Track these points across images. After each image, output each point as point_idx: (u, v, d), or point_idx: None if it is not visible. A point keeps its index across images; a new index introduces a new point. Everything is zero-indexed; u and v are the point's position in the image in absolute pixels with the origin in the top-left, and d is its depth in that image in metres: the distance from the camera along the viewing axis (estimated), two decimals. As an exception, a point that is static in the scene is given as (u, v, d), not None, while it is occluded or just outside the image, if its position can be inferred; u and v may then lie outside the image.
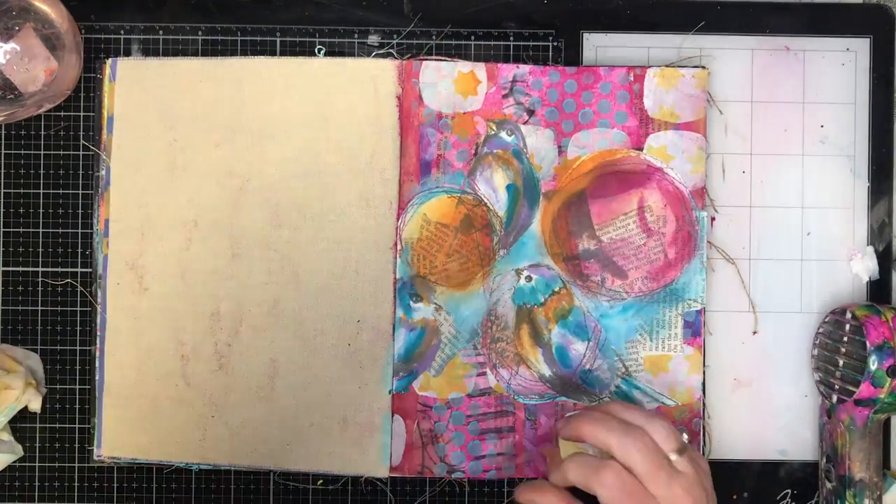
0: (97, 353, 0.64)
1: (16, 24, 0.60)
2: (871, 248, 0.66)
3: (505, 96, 0.64)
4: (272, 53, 0.66)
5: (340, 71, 0.64)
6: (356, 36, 0.66)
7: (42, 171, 0.65)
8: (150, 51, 0.66)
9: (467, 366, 0.64)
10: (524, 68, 0.64)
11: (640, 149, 0.64)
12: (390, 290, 0.64)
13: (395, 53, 0.65)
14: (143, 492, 0.65)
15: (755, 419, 0.65)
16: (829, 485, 0.64)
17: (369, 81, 0.64)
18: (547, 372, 0.64)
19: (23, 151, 0.65)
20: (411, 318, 0.64)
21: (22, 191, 0.65)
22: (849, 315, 0.62)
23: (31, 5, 0.61)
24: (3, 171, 0.65)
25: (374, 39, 0.66)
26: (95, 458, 0.64)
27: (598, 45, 0.66)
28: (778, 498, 0.66)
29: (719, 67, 0.66)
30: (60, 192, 0.65)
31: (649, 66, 0.64)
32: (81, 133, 0.65)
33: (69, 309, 0.65)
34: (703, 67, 0.64)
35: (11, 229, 0.65)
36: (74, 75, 0.63)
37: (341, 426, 0.64)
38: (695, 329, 0.64)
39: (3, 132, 0.66)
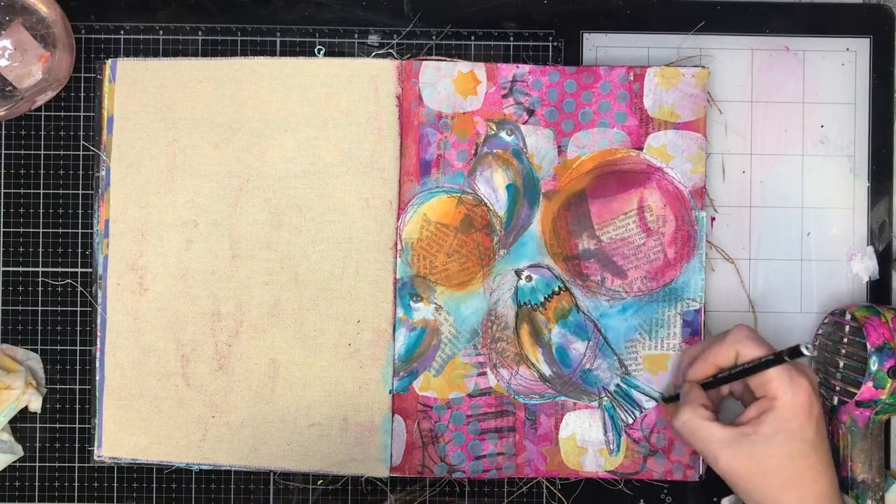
0: (97, 353, 0.64)
1: (3, 20, 0.60)
2: (871, 248, 0.66)
3: (505, 96, 0.64)
4: (272, 53, 0.66)
5: (340, 71, 0.64)
6: (356, 36, 0.66)
7: (42, 171, 0.66)
8: (150, 51, 0.66)
9: (467, 366, 0.64)
10: (524, 68, 0.64)
11: (640, 148, 0.64)
12: (390, 290, 0.64)
13: (394, 53, 0.65)
14: (143, 492, 0.65)
15: (755, 419, 0.65)
16: (829, 485, 0.63)
17: (369, 81, 0.64)
18: (547, 371, 0.64)
19: (23, 151, 0.66)
20: (411, 318, 0.64)
21: (22, 191, 0.65)
22: (848, 316, 0.62)
23: (15, 0, 0.61)
24: (3, 171, 0.66)
25: (374, 39, 0.66)
26: (95, 458, 0.64)
27: (598, 44, 0.66)
28: (778, 498, 0.66)
29: (719, 67, 0.66)
30: (60, 192, 0.65)
31: (649, 66, 0.64)
32: (81, 133, 0.66)
33: (69, 309, 0.65)
34: (704, 67, 0.64)
35: (11, 229, 0.65)
36: (69, 62, 0.63)
37: (341, 426, 0.64)
38: (693, 328, 0.64)
39: (2, 132, 0.66)
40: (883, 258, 0.66)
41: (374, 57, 0.65)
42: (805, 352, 0.53)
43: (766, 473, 0.55)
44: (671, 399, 0.63)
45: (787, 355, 0.54)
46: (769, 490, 0.56)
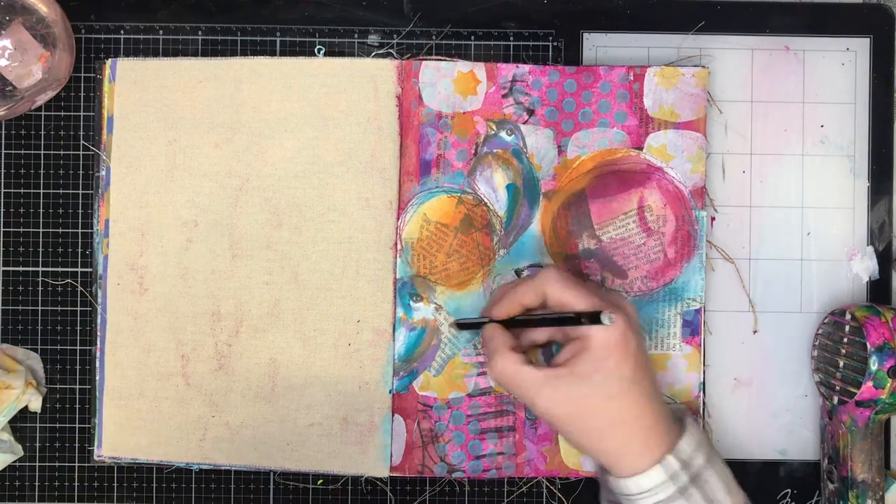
0: (97, 353, 0.64)
1: (3, 20, 0.60)
2: (871, 248, 0.66)
3: (505, 96, 0.64)
4: (272, 53, 0.66)
5: (340, 71, 0.64)
6: (356, 36, 0.66)
7: (42, 171, 0.66)
8: (150, 51, 0.66)
9: (467, 365, 0.64)
10: (524, 68, 0.64)
11: (640, 148, 0.64)
12: (390, 290, 0.64)
13: (394, 53, 0.65)
14: (143, 492, 0.65)
15: (755, 419, 0.65)
16: (831, 486, 0.63)
17: (369, 81, 0.64)
18: (547, 372, 0.64)
19: (23, 151, 0.66)
20: (411, 318, 0.64)
21: (22, 191, 0.65)
22: (848, 316, 0.62)
23: (14, 0, 0.61)
24: (3, 171, 0.66)
25: (373, 39, 0.66)
26: (95, 458, 0.64)
27: (597, 44, 0.66)
28: (778, 498, 0.66)
29: (719, 67, 0.66)
30: (60, 192, 0.65)
31: (649, 66, 0.64)
32: (81, 133, 0.66)
33: (69, 309, 0.65)
34: (704, 67, 0.64)
35: (11, 229, 0.65)
36: (69, 62, 0.63)
37: (341, 426, 0.64)
38: (693, 328, 0.64)
39: (3, 132, 0.66)
40: (883, 258, 0.66)
41: (374, 57, 0.65)
42: (606, 322, 0.52)
43: (586, 416, 0.54)
44: (465, 326, 0.62)
45: (585, 318, 0.53)
46: (591, 433, 0.54)
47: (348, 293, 0.64)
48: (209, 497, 0.65)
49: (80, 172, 0.66)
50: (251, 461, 0.64)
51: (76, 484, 0.65)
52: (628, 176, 0.64)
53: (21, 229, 0.65)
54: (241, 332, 0.64)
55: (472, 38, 0.66)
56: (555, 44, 0.66)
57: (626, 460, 0.54)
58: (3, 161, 0.66)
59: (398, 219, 0.64)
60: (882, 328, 0.60)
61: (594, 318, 0.53)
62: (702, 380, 0.64)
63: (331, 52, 0.66)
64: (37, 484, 0.65)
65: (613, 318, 0.52)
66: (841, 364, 0.62)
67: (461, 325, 0.63)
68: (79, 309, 0.66)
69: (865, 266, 0.66)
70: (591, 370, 0.54)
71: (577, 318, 0.54)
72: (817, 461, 0.66)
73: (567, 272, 0.57)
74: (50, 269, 0.65)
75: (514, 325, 0.58)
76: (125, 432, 0.64)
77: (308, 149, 0.64)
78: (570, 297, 0.55)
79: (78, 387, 0.66)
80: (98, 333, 0.64)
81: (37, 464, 0.65)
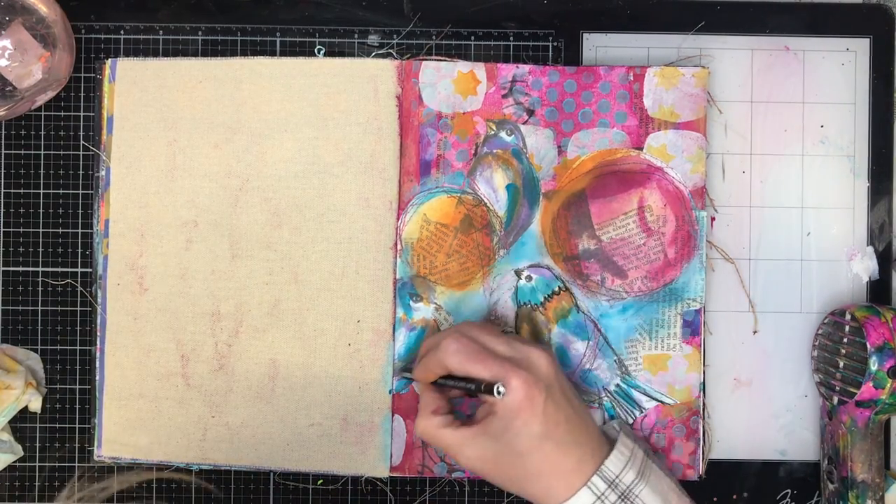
0: (97, 353, 0.64)
1: (3, 20, 0.60)
2: (871, 248, 0.66)
3: (504, 96, 0.64)
4: (272, 53, 0.66)
5: (340, 71, 0.64)
6: (356, 36, 0.66)
7: (42, 171, 0.66)
8: (150, 51, 0.66)
9: (467, 366, 0.64)
10: (524, 68, 0.64)
11: (640, 148, 0.64)
12: (390, 290, 0.64)
13: (394, 53, 0.65)
14: (143, 492, 0.65)
15: (755, 419, 0.65)
16: (831, 486, 0.63)
17: (369, 81, 0.64)
18: (547, 372, 0.64)
19: (23, 151, 0.66)
20: (411, 318, 0.64)
21: (22, 191, 0.65)
22: (848, 316, 0.62)
23: (14, 0, 0.61)
24: (3, 171, 0.66)
25: (373, 39, 0.66)
26: (95, 458, 0.64)
27: (597, 44, 0.66)
28: (778, 498, 0.66)
29: (719, 67, 0.66)
30: (60, 192, 0.65)
31: (649, 66, 0.64)
32: (81, 133, 0.66)
33: (69, 309, 0.65)
34: (704, 67, 0.64)
35: (11, 229, 0.65)
36: (69, 62, 0.63)
37: (341, 426, 0.64)
38: (694, 328, 0.64)
39: (2, 132, 0.66)
40: (883, 258, 0.66)
41: (374, 57, 0.65)
42: (496, 395, 0.54)
43: (504, 469, 0.56)
44: (408, 378, 0.64)
45: (482, 389, 0.55)
46: (513, 482, 0.57)
47: (348, 293, 0.64)
48: (209, 497, 0.65)
49: (80, 172, 0.66)
50: (251, 461, 0.64)
51: (76, 484, 0.65)
52: (628, 176, 0.64)
53: (21, 229, 0.65)
54: (241, 332, 0.64)
55: (472, 38, 0.66)
56: (555, 44, 0.66)
57: (552, 500, 0.56)
58: (3, 161, 0.66)
59: (398, 219, 0.64)
60: (882, 328, 0.60)
61: (489, 389, 0.54)
62: (702, 380, 0.64)
63: (331, 52, 0.66)
64: (37, 484, 0.65)
65: (504, 390, 0.54)
66: (841, 364, 0.62)
67: (405, 378, 0.64)
68: (79, 309, 0.66)
69: (865, 266, 0.66)
70: (500, 430, 0.56)
71: (479, 387, 0.55)
72: (817, 461, 0.66)
73: (468, 338, 0.58)
74: (50, 269, 0.65)
75: (441, 385, 0.59)
76: (125, 432, 0.64)
77: (308, 149, 0.64)
78: (471, 368, 0.56)
79: (78, 387, 0.66)
80: (98, 333, 0.64)
81: (37, 464, 0.65)
